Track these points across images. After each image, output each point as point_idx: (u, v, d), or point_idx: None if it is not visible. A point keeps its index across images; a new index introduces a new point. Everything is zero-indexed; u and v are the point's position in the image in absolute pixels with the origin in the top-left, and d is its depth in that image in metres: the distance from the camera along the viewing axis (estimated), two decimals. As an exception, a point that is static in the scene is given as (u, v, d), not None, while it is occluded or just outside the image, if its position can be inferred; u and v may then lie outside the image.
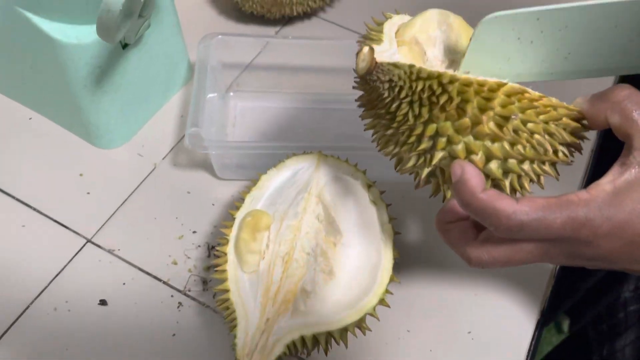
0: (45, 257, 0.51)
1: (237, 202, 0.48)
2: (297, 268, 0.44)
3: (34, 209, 0.54)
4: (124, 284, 0.50)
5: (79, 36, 0.49)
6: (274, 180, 0.48)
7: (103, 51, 0.50)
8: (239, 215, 0.47)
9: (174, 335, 0.48)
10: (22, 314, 0.48)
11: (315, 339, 0.41)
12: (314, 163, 0.49)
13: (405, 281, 0.51)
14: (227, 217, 0.55)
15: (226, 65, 0.63)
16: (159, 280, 0.51)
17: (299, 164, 0.49)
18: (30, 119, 0.61)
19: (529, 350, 0.49)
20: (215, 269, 0.45)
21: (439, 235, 0.42)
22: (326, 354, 0.44)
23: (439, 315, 0.50)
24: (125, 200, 0.55)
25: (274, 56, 0.63)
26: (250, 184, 0.49)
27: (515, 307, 0.51)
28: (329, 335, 0.41)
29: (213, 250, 0.52)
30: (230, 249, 0.45)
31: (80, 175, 0.57)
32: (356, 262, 0.45)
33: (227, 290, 0.43)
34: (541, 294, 0.52)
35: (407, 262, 0.52)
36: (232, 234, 0.45)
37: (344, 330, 0.42)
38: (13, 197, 0.55)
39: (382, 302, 0.43)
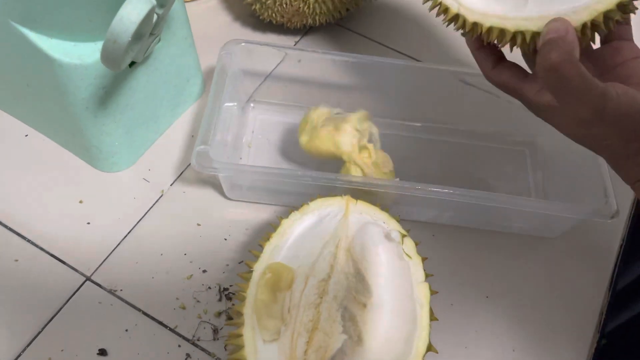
0: (39, 296, 0.46)
1: (254, 252, 0.43)
2: (323, 339, 0.38)
3: (29, 241, 0.49)
4: (126, 330, 0.45)
5: (81, 55, 0.43)
6: (297, 226, 0.43)
7: (107, 71, 0.45)
8: (258, 267, 0.41)
9: (180, 392, 0.43)
10: (19, 355, 0.44)
11: None
12: (342, 209, 0.43)
13: (439, 337, 0.46)
14: (242, 256, 0.50)
15: (248, 74, 0.57)
16: (165, 326, 0.46)
17: (325, 208, 0.44)
18: (26, 135, 0.55)
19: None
20: (230, 329, 0.40)
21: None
22: None
23: (473, 375, 0.45)
24: (129, 232, 0.50)
25: (299, 68, 0.57)
26: (267, 232, 0.44)
27: (558, 367, 0.46)
28: None
29: (225, 293, 0.48)
30: (247, 309, 0.39)
31: (80, 202, 0.52)
32: (388, 327, 0.39)
33: None
34: (586, 348, 0.47)
35: (440, 315, 0.47)
36: (250, 291, 0.40)
37: None
38: (5, 226, 0.50)
39: None
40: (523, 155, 0.58)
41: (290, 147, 0.57)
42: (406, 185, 0.47)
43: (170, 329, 0.46)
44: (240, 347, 0.38)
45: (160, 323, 0.46)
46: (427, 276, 0.42)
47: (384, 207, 0.44)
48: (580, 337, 0.48)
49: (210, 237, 0.51)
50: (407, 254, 0.42)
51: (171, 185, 0.53)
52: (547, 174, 0.56)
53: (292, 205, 0.46)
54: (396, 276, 0.41)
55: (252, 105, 0.59)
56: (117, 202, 0.52)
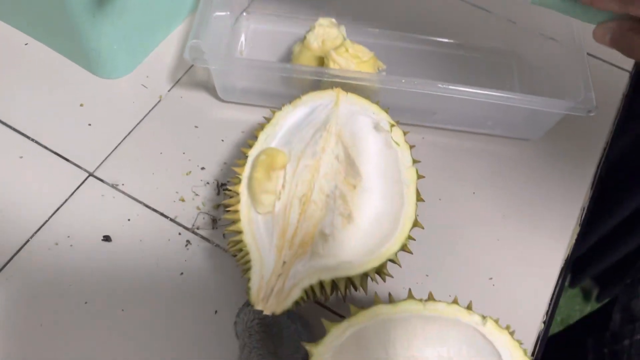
0: (44, 190, 0.49)
1: (250, 141, 0.45)
2: (315, 210, 0.41)
3: (32, 140, 0.51)
4: (128, 220, 0.48)
5: (78, -53, 0.44)
6: (290, 117, 0.45)
7: (105, -33, 0.45)
8: (252, 153, 0.43)
9: (181, 274, 0.45)
10: (21, 248, 0.46)
11: (334, 284, 0.39)
12: (333, 100, 0.45)
13: (426, 225, 0.48)
14: (238, 155, 0.52)
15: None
16: (166, 217, 0.48)
17: (317, 100, 0.45)
18: (26, 44, 0.56)
19: (551, 300, 0.47)
20: (227, 209, 0.42)
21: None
22: (344, 299, 0.42)
23: (460, 260, 0.48)
24: (129, 133, 0.52)
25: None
26: (261, 123, 0.46)
27: (539, 254, 0.49)
28: (349, 280, 0.39)
29: (222, 188, 0.50)
30: (242, 188, 0.42)
31: (81, 105, 0.53)
32: (377, 207, 0.41)
33: (239, 232, 0.40)
34: (566, 241, 0.50)
35: (428, 205, 0.49)
36: (245, 173, 0.42)
37: (364, 276, 0.39)
38: (9, 126, 0.51)
39: (404, 247, 0.41)
40: (509, 67, 0.60)
41: (282, 57, 0.58)
42: (393, 78, 0.48)
43: (171, 219, 0.48)
44: (236, 220, 0.40)
45: (161, 214, 0.48)
46: (415, 162, 0.44)
47: (373, 100, 0.46)
48: (563, 228, 0.50)
49: (207, 137, 0.52)
50: (395, 142, 0.44)
51: (169, 91, 0.55)
52: (532, 84, 0.58)
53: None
54: (385, 163, 0.43)
55: (244, 14, 0.59)
56: (117, 106, 0.54)
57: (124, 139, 0.52)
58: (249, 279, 0.38)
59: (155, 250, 0.46)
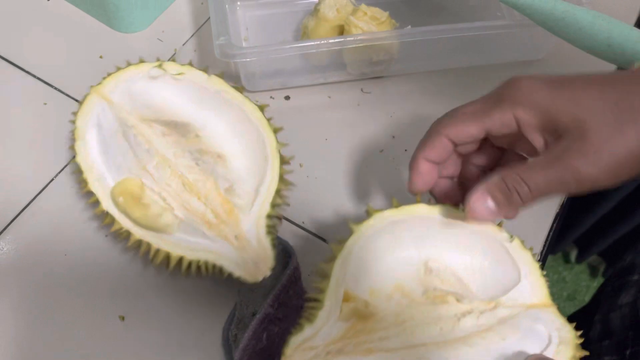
0: (67, 133, 0.51)
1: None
2: (203, 182, 0.42)
3: (55, 88, 0.54)
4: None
5: None
6: (89, 149, 0.44)
7: None
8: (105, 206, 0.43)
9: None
10: (47, 185, 0.49)
11: (274, 207, 0.42)
12: (101, 104, 0.45)
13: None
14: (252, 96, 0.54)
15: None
16: (182, 159, 0.51)
17: (90, 116, 0.45)
18: (47, 0, 0.59)
19: (551, 228, 0.49)
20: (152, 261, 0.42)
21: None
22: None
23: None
24: (146, 83, 0.55)
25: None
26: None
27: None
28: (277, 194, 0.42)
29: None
30: (152, 237, 0.42)
31: (100, 57, 0.56)
32: (245, 164, 0.44)
33: (196, 262, 0.41)
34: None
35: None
36: (128, 225, 0.42)
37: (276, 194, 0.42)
38: (33, 75, 0.54)
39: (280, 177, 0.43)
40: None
41: (288, 36, 0.59)
42: (407, 32, 0.50)
43: (186, 161, 0.51)
44: (180, 257, 0.41)
45: (177, 156, 0.51)
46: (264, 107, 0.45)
47: (389, 59, 0.47)
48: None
49: (220, 87, 0.55)
50: (178, 74, 0.45)
51: (183, 45, 0.58)
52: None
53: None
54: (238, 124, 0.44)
55: (238, 3, 0.60)
56: (135, 57, 0.56)
57: (142, 88, 0.54)
58: (230, 274, 0.40)
59: (171, 189, 0.49)
